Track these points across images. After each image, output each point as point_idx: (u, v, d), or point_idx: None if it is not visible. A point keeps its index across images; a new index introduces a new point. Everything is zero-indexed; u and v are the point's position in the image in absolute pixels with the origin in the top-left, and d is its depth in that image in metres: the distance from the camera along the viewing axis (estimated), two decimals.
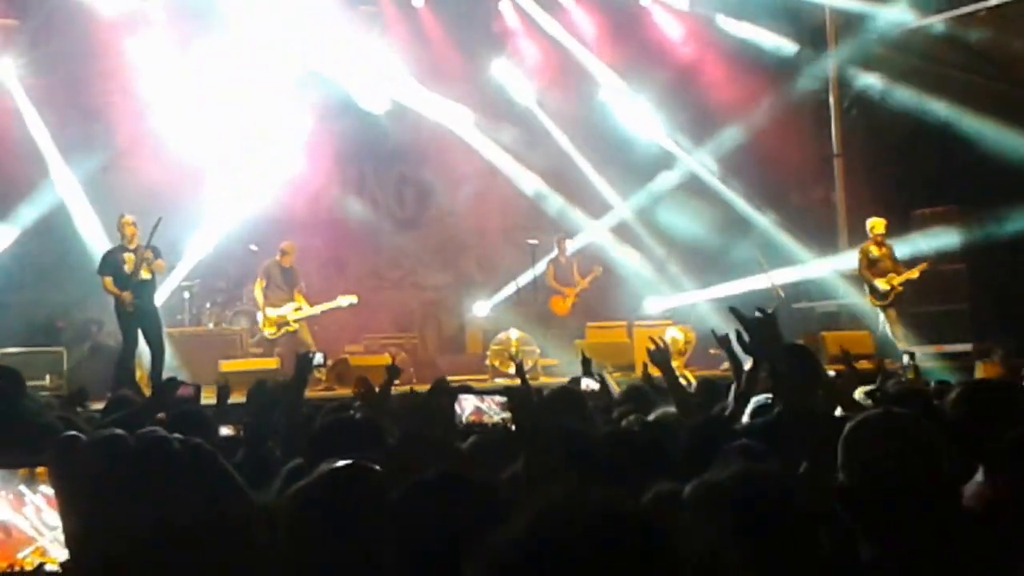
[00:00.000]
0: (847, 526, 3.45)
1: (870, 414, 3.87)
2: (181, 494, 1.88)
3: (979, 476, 3.63)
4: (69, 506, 1.96)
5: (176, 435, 2.01)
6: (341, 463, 3.39)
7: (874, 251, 18.19)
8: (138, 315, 15.39)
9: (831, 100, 22.08)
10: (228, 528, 1.91)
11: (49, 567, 2.49)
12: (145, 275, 15.43)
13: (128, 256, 15.39)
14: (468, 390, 7.34)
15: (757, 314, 4.45)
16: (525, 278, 20.60)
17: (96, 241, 18.02)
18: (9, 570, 2.58)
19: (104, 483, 1.89)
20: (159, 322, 15.90)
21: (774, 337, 4.45)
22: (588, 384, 9.74)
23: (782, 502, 3.16)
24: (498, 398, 6.51)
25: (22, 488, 2.49)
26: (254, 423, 6.77)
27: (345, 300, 17.92)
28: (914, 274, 17.77)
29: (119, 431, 2.06)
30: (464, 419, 6.74)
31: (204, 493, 1.92)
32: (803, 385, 4.95)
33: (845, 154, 22.00)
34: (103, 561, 1.83)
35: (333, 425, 5.61)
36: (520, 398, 5.10)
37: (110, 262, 15.45)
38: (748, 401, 6.36)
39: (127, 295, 15.23)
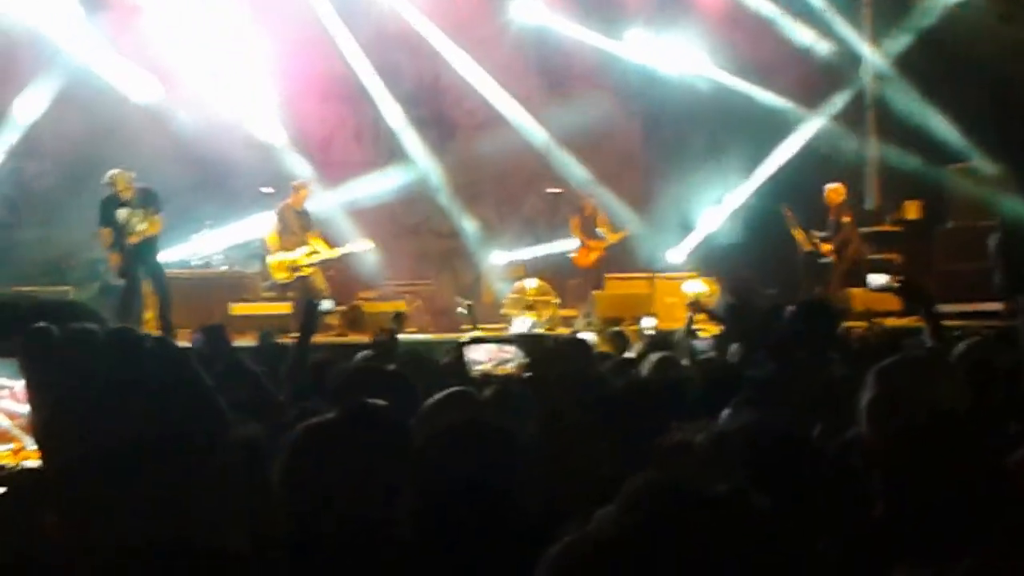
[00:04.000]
0: (861, 479, 3.32)
1: (902, 360, 3.73)
2: (151, 393, 1.82)
3: None
4: (37, 398, 1.87)
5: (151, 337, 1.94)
6: (361, 401, 3.38)
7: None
8: (141, 269, 15.18)
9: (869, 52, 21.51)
10: (197, 439, 1.85)
11: (30, 463, 2.60)
12: (142, 232, 15.16)
13: (122, 211, 15.12)
14: (481, 340, 7.28)
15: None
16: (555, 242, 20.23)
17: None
18: None
19: (73, 375, 1.83)
20: (162, 275, 15.69)
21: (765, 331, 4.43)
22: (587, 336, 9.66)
23: (793, 453, 3.15)
24: (508, 347, 6.29)
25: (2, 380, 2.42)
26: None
27: (360, 245, 17.55)
28: None
29: (90, 325, 1.88)
30: (477, 369, 6.56)
31: (176, 395, 1.86)
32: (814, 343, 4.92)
33: (877, 107, 21.40)
34: (69, 456, 1.80)
35: (358, 372, 5.65)
36: (534, 347, 4.98)
37: (107, 215, 15.21)
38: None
39: (115, 258, 15.04)
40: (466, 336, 9.23)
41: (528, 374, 5.58)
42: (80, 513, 1.81)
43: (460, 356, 6.70)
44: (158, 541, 1.79)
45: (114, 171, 15.38)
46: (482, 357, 6.64)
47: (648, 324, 14.53)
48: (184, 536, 1.81)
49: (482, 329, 13.41)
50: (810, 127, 21.08)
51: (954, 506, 3.04)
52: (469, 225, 21.73)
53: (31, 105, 18.49)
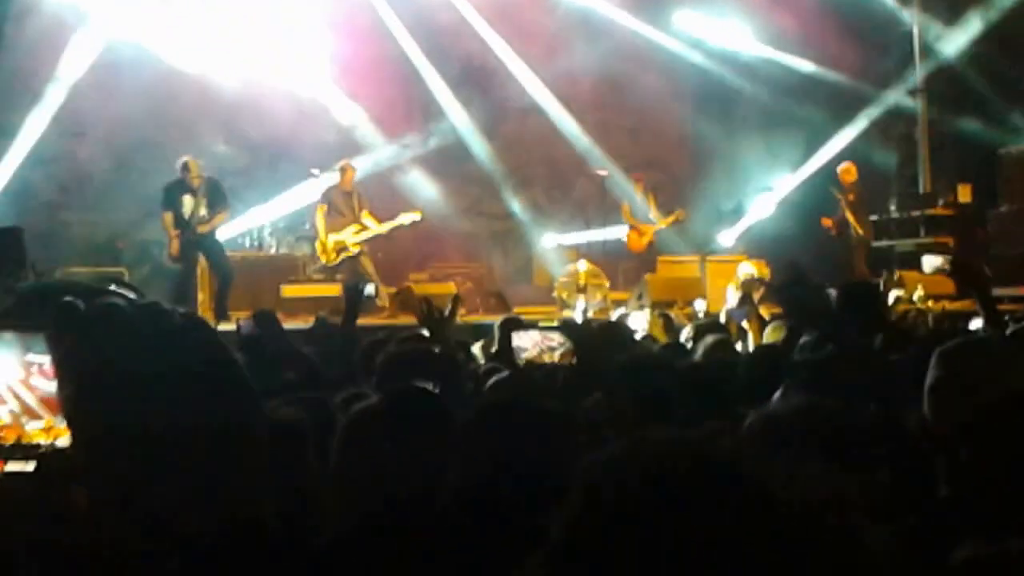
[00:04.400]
0: (926, 461, 3.29)
1: (965, 342, 3.73)
2: (178, 370, 1.79)
3: None
4: (64, 374, 1.82)
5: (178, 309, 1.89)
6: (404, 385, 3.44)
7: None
8: (200, 255, 15.32)
9: (915, 31, 21.26)
10: (224, 418, 1.82)
11: (60, 442, 2.57)
12: (211, 225, 15.32)
13: (188, 198, 15.23)
14: (524, 325, 7.24)
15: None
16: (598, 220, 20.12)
17: (159, 161, 17.76)
18: (17, 442, 2.67)
19: (99, 350, 1.80)
20: (225, 259, 15.83)
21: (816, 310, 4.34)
22: (636, 320, 9.64)
23: (846, 436, 3.01)
24: (553, 334, 6.27)
25: (31, 357, 2.39)
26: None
27: (408, 217, 17.46)
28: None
29: (118, 300, 1.87)
30: (523, 356, 6.56)
31: (204, 373, 1.84)
32: (860, 326, 4.89)
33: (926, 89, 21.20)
34: (96, 433, 1.78)
35: (405, 355, 5.65)
36: (580, 334, 4.97)
37: (171, 199, 15.30)
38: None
39: (175, 244, 15.10)
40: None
41: (575, 360, 5.54)
42: (108, 491, 1.80)
43: (507, 342, 6.67)
44: (185, 520, 1.77)
45: (187, 157, 15.52)
46: (528, 344, 6.61)
47: (700, 307, 14.47)
48: (211, 515, 1.79)
49: (531, 314, 13.35)
50: (865, 114, 20.94)
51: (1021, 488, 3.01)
52: (519, 208, 21.70)
53: (78, 84, 18.51)
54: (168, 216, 15.33)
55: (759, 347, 7.60)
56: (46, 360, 2.33)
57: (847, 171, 18.71)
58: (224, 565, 1.80)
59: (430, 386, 3.62)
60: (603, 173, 19.93)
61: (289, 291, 16.87)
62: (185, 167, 15.41)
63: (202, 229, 15.28)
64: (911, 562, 2.79)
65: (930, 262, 17.87)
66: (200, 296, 15.71)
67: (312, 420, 3.70)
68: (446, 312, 8.26)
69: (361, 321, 9.78)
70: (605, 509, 1.40)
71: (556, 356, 6.42)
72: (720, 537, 1.34)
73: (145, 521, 1.78)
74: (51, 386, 2.43)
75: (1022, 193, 18.28)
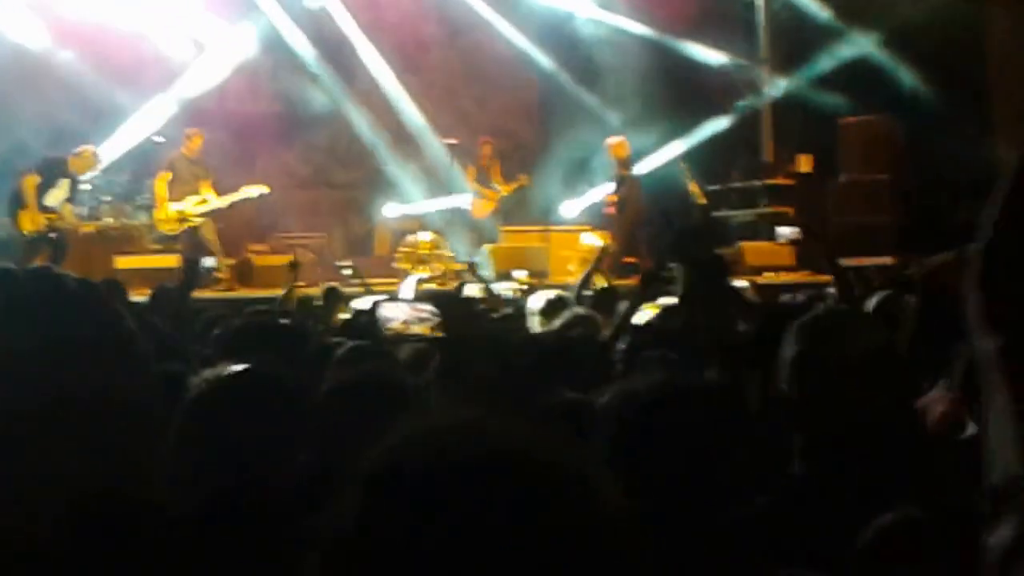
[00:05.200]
0: (780, 436, 3.33)
1: (823, 314, 3.90)
2: (74, 336, 1.78)
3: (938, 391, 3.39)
4: None
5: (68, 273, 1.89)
6: (236, 367, 3.31)
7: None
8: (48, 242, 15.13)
9: (760, 3, 21.43)
10: (121, 384, 1.81)
11: None
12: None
13: (65, 186, 15.09)
14: (394, 298, 7.22)
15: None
16: (443, 189, 20.00)
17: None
18: None
19: None
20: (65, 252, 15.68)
21: (702, 243, 4.39)
22: (471, 290, 9.65)
23: (706, 411, 3.04)
24: (427, 306, 6.18)
25: None
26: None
27: (254, 190, 17.21)
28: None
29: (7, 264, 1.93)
30: (390, 328, 6.48)
31: (100, 338, 1.83)
32: (713, 297, 4.97)
33: (772, 61, 21.39)
34: None
35: (250, 327, 5.62)
36: (455, 307, 4.93)
37: (47, 170, 15.19)
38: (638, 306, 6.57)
39: (40, 219, 14.91)
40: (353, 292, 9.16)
41: (441, 334, 5.51)
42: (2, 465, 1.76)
43: (372, 313, 6.59)
44: (83, 492, 1.75)
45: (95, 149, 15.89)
46: (396, 315, 6.50)
47: (520, 276, 14.43)
48: (110, 486, 1.78)
49: (370, 286, 13.20)
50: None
51: (873, 463, 3.05)
52: (362, 177, 21.49)
53: None
54: (33, 180, 14.94)
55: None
56: None
57: (620, 146, 18.59)
58: (78, 540, 1.74)
59: (274, 359, 3.58)
60: (452, 141, 19.74)
61: (123, 263, 16.43)
62: (96, 157, 15.58)
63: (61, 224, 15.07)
64: (767, 540, 2.90)
65: (782, 233, 18.07)
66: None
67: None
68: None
69: (199, 293, 9.64)
70: (380, 498, 1.35)
71: (425, 328, 6.33)
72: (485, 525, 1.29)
73: (38, 494, 1.74)
74: None
75: (861, 163, 18.56)
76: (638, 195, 18.42)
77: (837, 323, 3.57)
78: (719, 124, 20.53)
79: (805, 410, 3.25)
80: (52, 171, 15.13)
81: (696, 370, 4.17)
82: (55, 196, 15.14)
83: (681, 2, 20.51)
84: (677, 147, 19.55)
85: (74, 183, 15.30)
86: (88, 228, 17.76)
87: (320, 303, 9.68)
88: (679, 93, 20.56)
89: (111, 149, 18.38)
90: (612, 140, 18.69)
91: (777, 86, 20.36)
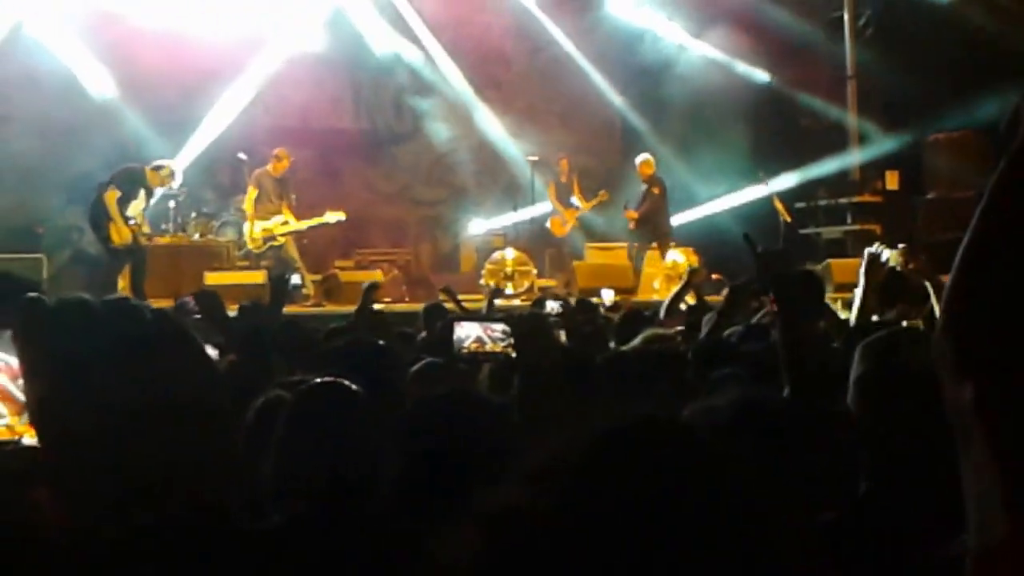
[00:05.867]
0: (850, 455, 3.25)
1: (892, 334, 3.72)
2: (152, 365, 1.80)
3: None
4: (34, 372, 1.82)
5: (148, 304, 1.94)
6: (321, 380, 3.37)
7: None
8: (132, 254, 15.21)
9: (846, 18, 21.23)
10: (201, 412, 1.84)
11: (27, 440, 2.55)
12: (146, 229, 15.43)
13: (143, 196, 15.17)
14: (469, 317, 7.17)
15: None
16: (530, 207, 19.91)
17: (82, 149, 17.43)
18: None
19: (71, 347, 1.79)
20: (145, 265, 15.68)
21: (786, 268, 4.50)
22: (552, 307, 9.60)
23: (784, 429, 3.04)
24: (500, 326, 6.16)
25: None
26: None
27: (333, 217, 17.28)
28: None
29: (84, 295, 1.89)
30: (465, 347, 6.46)
31: (178, 368, 1.84)
32: (808, 315, 4.90)
33: (859, 76, 21.19)
34: (65, 432, 1.78)
35: (336, 343, 5.68)
36: (525, 326, 4.90)
37: (126, 183, 15.23)
38: (728, 325, 6.60)
39: (126, 232, 14.96)
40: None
41: (514, 352, 5.49)
42: (77, 487, 1.78)
43: (449, 332, 6.58)
44: (157, 514, 1.76)
45: (171, 163, 15.88)
46: (471, 334, 6.49)
47: (608, 296, 14.37)
48: (184, 508, 1.79)
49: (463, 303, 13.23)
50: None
51: (940, 481, 2.92)
52: (447, 194, 21.55)
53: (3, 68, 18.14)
54: (115, 195, 15.10)
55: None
56: (10, 358, 2.32)
57: (646, 164, 18.67)
58: (186, 551, 1.78)
59: (362, 376, 3.52)
60: (534, 158, 19.72)
61: (212, 278, 16.56)
62: (171, 175, 15.65)
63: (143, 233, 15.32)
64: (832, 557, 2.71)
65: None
66: (120, 283, 15.43)
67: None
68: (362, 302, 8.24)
69: (287, 310, 9.67)
70: (594, 486, 1.33)
71: (500, 347, 6.32)
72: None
73: (112, 516, 1.75)
74: (13, 385, 2.42)
75: (950, 179, 18.34)
76: (660, 210, 18.53)
77: (905, 342, 3.51)
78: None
79: (872, 428, 3.23)
80: (130, 183, 15.25)
81: (772, 387, 4.06)
82: (134, 208, 15.26)
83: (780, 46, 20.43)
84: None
85: (149, 195, 15.38)
86: (177, 243, 17.97)
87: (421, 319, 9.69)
88: (778, 133, 20.55)
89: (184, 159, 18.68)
90: (639, 158, 18.82)
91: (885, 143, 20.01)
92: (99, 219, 15.26)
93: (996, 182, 1.30)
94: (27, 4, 18.32)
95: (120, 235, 15.12)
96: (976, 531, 1.29)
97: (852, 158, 20.93)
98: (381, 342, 6.09)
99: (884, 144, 19.91)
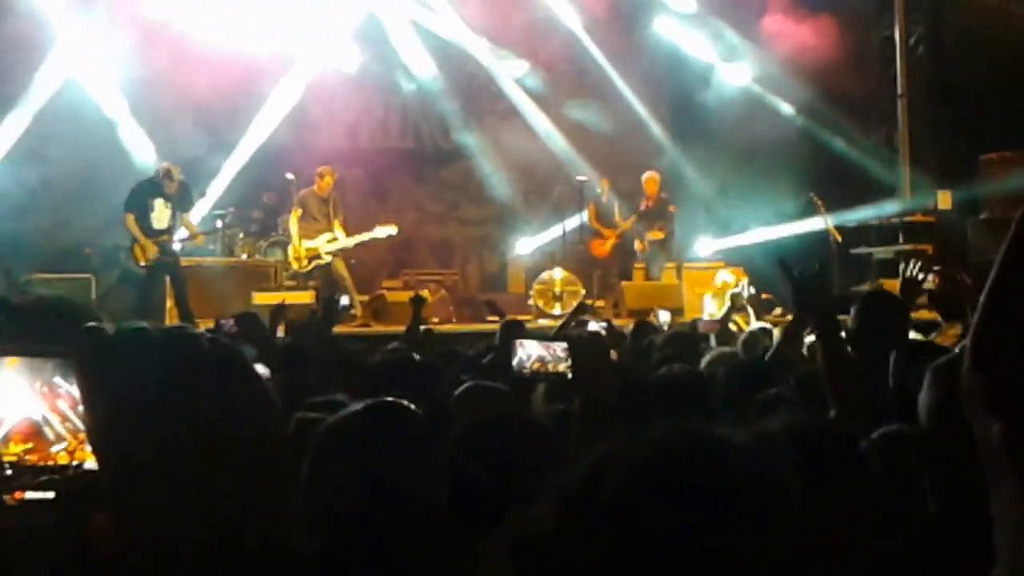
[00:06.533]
0: (916, 476, 3.27)
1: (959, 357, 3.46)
2: (210, 394, 1.84)
3: None
4: (94, 399, 1.87)
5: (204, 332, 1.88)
6: (378, 400, 3.33)
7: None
8: (168, 257, 15.17)
9: (896, 37, 21.05)
10: (259, 439, 1.87)
11: (89, 464, 2.51)
12: (187, 231, 15.74)
13: (160, 203, 15.11)
14: (529, 336, 7.17)
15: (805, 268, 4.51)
16: (572, 221, 19.81)
17: (127, 167, 17.49)
18: (43, 464, 2.59)
19: (130, 376, 1.83)
20: (179, 265, 15.71)
21: (823, 292, 4.52)
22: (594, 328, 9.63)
23: (841, 452, 3.07)
24: (561, 345, 6.10)
25: (57, 380, 2.52)
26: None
27: (383, 231, 17.26)
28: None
29: (145, 324, 2.14)
30: (527, 367, 6.42)
31: (235, 397, 1.89)
32: (884, 333, 4.84)
33: (910, 94, 21.00)
34: (124, 459, 1.83)
35: (387, 365, 5.81)
36: (584, 346, 4.87)
37: (139, 201, 15.15)
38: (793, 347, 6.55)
39: (150, 250, 14.95)
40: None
41: (571, 373, 5.46)
42: (135, 511, 1.83)
43: (507, 353, 6.55)
44: (212, 538, 1.79)
45: (168, 164, 15.65)
46: (532, 354, 6.44)
47: (664, 318, 14.28)
48: (239, 533, 1.81)
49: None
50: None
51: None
52: (495, 213, 21.52)
53: (45, 86, 18.32)
54: (131, 217, 15.13)
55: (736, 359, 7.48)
56: (68, 385, 2.43)
57: (654, 180, 18.91)
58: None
59: (409, 395, 3.48)
60: (582, 179, 19.64)
61: (261, 298, 16.57)
62: (168, 175, 15.39)
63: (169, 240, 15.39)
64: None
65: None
66: (168, 303, 15.48)
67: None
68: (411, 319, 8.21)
69: (335, 330, 9.66)
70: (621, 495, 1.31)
71: (561, 367, 6.28)
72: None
73: (168, 541, 1.80)
74: (72, 412, 2.46)
75: (1003, 199, 18.12)
76: (651, 230, 18.76)
77: None
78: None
79: (938, 451, 3.18)
80: (138, 200, 15.28)
81: (819, 410, 4.08)
82: (160, 218, 15.27)
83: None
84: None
85: (168, 199, 15.37)
86: (225, 264, 17.99)
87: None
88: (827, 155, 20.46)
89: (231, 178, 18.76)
90: (645, 175, 19.02)
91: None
92: (130, 246, 15.37)
93: (1023, 214, 1.32)
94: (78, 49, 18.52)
95: (144, 253, 15.19)
96: (1007, 564, 1.35)
97: (902, 180, 20.76)
98: (417, 357, 6.08)
99: (936, 164, 19.74)
